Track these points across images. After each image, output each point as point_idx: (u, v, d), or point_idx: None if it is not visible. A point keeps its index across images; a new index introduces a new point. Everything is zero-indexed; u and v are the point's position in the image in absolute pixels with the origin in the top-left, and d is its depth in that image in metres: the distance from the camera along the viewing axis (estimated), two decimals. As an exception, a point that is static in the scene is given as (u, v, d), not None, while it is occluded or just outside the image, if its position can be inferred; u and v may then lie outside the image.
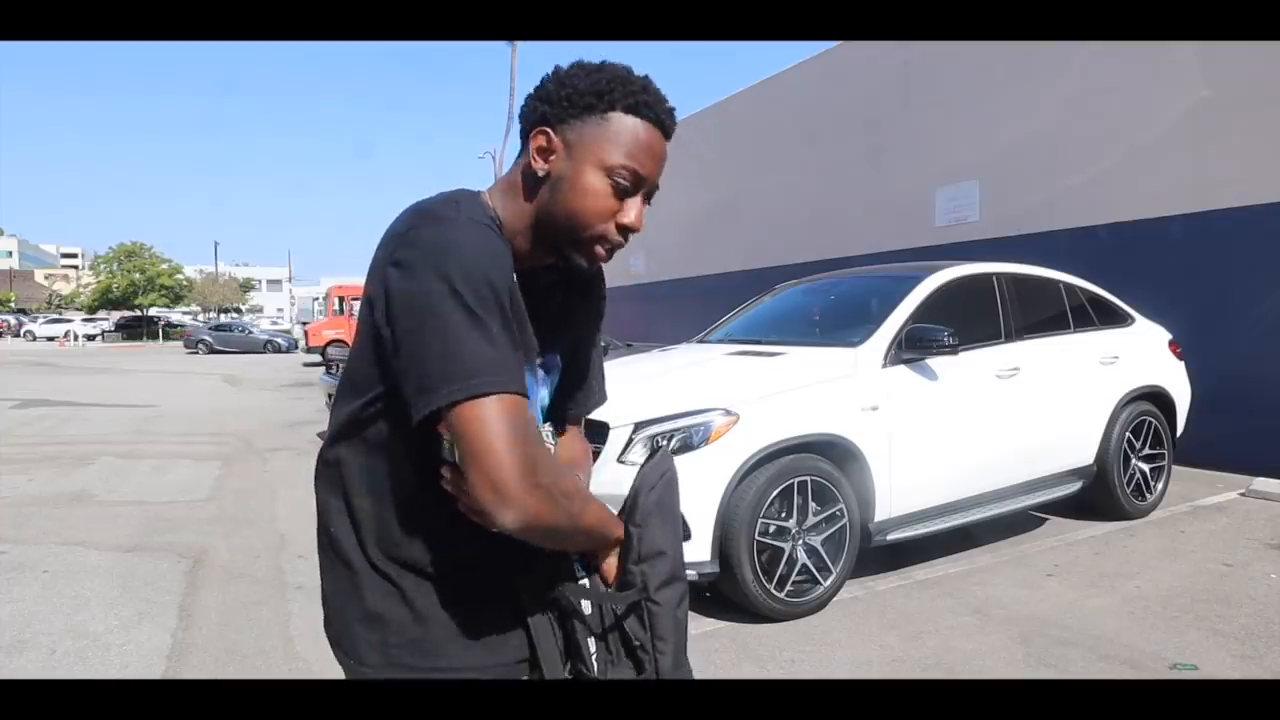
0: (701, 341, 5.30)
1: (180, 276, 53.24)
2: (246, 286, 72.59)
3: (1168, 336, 5.59)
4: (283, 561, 4.44)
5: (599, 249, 1.07)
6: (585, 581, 1.10)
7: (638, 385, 4.07)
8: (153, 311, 51.14)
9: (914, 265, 5.31)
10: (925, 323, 4.15)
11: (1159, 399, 5.30)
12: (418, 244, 0.95)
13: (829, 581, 3.65)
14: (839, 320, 4.91)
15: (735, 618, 3.55)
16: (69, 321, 46.19)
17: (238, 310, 64.24)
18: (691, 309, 11.45)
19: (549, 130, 1.04)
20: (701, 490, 3.40)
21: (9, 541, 4.84)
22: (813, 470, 3.63)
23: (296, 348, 32.07)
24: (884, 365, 4.02)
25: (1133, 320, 5.46)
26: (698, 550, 3.39)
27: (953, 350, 4.01)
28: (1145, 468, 5.15)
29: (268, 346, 32.51)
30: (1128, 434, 5.03)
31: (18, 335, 45.31)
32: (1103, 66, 7.37)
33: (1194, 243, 6.68)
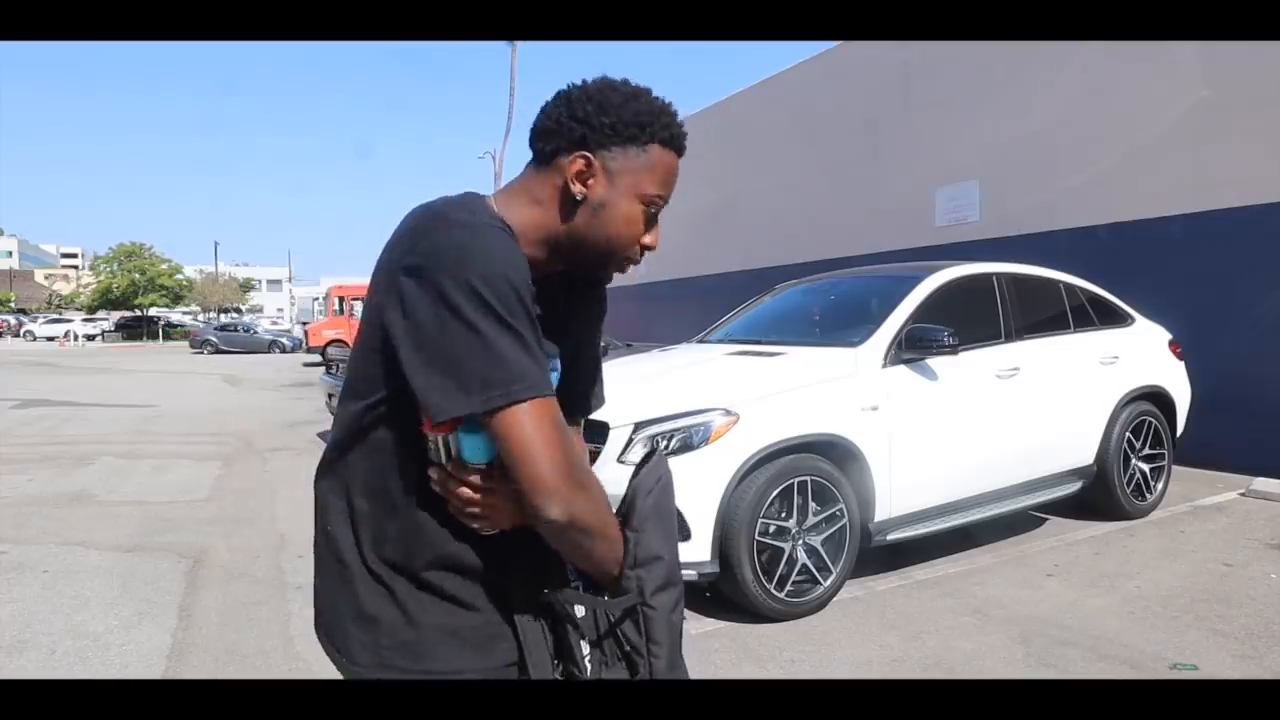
0: (701, 341, 5.30)
1: (180, 277, 53.27)
2: (246, 286, 72.56)
3: (1168, 336, 5.59)
4: (283, 561, 4.44)
5: (622, 267, 1.14)
6: (578, 585, 1.10)
7: (638, 385, 4.07)
8: (153, 311, 51.17)
9: (914, 265, 5.31)
10: (925, 323, 4.15)
11: (1159, 399, 5.30)
12: (437, 249, 0.95)
13: (829, 581, 3.65)
14: (839, 320, 4.91)
15: (735, 618, 3.55)
16: (69, 321, 46.22)
17: (238, 310, 64.24)
18: (691, 309, 11.45)
19: (590, 155, 1.06)
20: (701, 490, 3.40)
21: (9, 541, 4.84)
22: (813, 470, 3.63)
23: (301, 347, 32.18)
24: (884, 365, 4.02)
25: (1133, 320, 5.46)
26: (698, 550, 3.39)
27: (953, 350, 4.01)
28: (1145, 468, 5.15)
29: (273, 347, 32.71)
30: (1128, 434, 5.03)
31: (17, 335, 45.32)
32: (1103, 66, 7.37)
33: (1194, 243, 6.68)
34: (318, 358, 21.44)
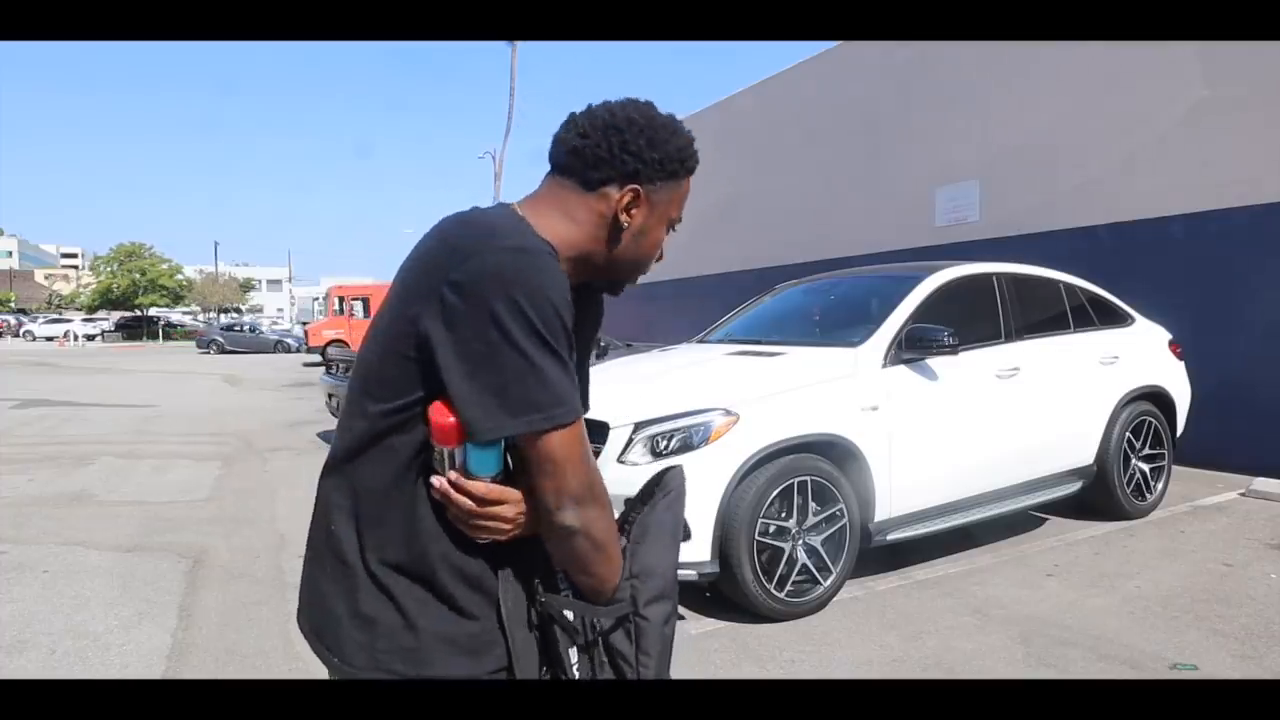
0: (701, 341, 5.30)
1: (180, 277, 53.26)
2: (246, 286, 72.51)
3: (1168, 336, 5.59)
4: (283, 561, 4.44)
5: (635, 281, 1.24)
6: (569, 593, 1.11)
7: (638, 385, 4.07)
8: (153, 311, 51.17)
9: (914, 265, 5.30)
10: (925, 323, 4.15)
11: (1159, 399, 5.30)
12: (489, 270, 0.98)
13: (829, 581, 3.65)
14: (839, 320, 4.91)
15: (735, 618, 3.55)
16: (68, 321, 46.22)
17: (238, 310, 64.25)
18: (691, 309, 11.45)
19: (640, 189, 1.13)
20: (701, 490, 3.39)
21: (9, 541, 4.84)
22: (813, 470, 3.63)
23: (304, 347, 32.35)
24: (884, 365, 4.02)
25: (1133, 320, 5.46)
26: (698, 550, 3.39)
27: (953, 350, 4.01)
28: (1145, 468, 5.15)
29: (278, 347, 32.90)
30: (1128, 434, 5.03)
31: (17, 335, 45.32)
32: (1103, 66, 7.37)
33: (1194, 243, 6.68)
34: (318, 358, 21.44)
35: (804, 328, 5.12)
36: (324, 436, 8.94)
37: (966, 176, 8.82)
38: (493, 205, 1.14)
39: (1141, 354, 5.29)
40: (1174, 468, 5.42)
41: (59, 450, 8.19)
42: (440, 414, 1.01)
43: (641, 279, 1.26)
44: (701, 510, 3.39)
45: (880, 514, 3.88)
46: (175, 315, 54.70)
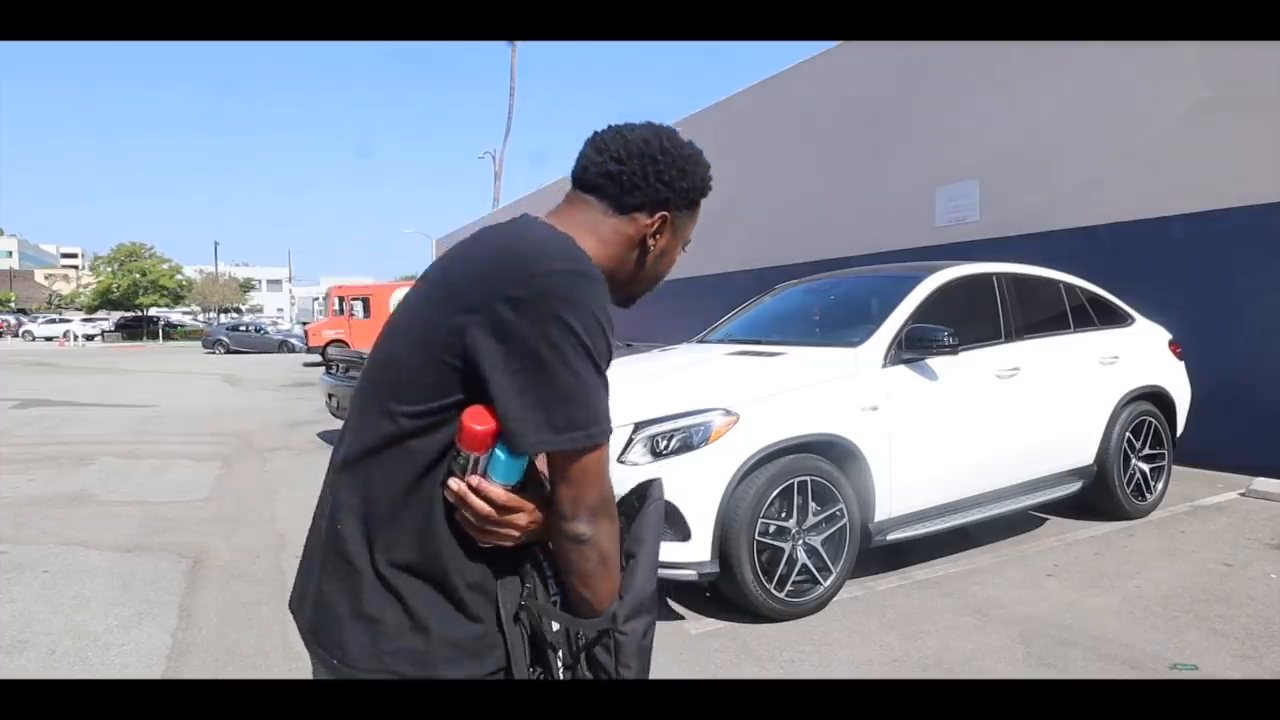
0: (701, 341, 5.30)
1: (180, 277, 53.25)
2: (246, 286, 72.51)
3: (1168, 336, 5.59)
4: (283, 561, 4.44)
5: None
6: (556, 601, 1.12)
7: (638, 385, 4.07)
8: (153, 312, 51.17)
9: (914, 265, 5.30)
10: (925, 323, 4.15)
11: (1159, 399, 5.30)
12: (547, 290, 1.01)
13: (829, 581, 3.65)
14: (839, 320, 4.91)
15: (735, 618, 3.55)
16: (68, 321, 46.21)
17: (238, 310, 64.24)
18: (691, 309, 11.45)
19: (669, 215, 1.21)
20: (701, 490, 3.40)
21: (9, 541, 4.84)
22: (813, 470, 3.63)
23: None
24: (884, 365, 4.02)
25: (1133, 320, 5.46)
26: (698, 550, 3.39)
27: (953, 350, 4.01)
28: (1145, 468, 5.15)
29: (283, 347, 32.96)
30: (1128, 434, 5.03)
31: (17, 335, 45.31)
32: (1103, 66, 7.37)
33: (1194, 243, 6.67)
34: (318, 358, 21.44)
35: (804, 328, 5.12)
36: (324, 436, 8.93)
37: (966, 176, 8.82)
38: (537, 221, 1.16)
39: (1141, 354, 5.29)
40: (1174, 468, 5.42)
41: (59, 450, 8.19)
42: (477, 419, 1.02)
43: None
44: (701, 510, 3.40)
45: (880, 514, 3.88)
46: (175, 315, 54.71)
